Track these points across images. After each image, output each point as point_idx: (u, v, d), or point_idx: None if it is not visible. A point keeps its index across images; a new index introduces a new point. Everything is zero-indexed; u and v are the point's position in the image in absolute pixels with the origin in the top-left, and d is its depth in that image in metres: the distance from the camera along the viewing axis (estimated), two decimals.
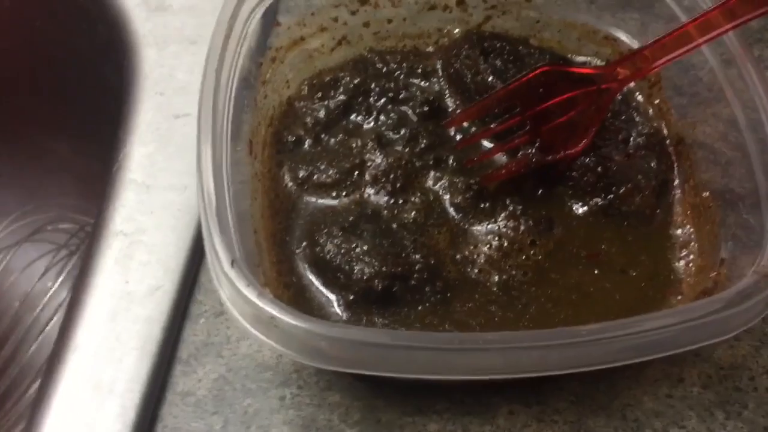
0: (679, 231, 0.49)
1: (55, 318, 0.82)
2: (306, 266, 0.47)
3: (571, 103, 0.48)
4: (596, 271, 0.47)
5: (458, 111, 0.53)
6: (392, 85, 0.54)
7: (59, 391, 0.46)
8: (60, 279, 0.85)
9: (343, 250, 0.46)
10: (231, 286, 0.38)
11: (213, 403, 0.46)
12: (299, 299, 0.46)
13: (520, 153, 0.50)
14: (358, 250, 0.46)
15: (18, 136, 0.85)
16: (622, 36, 0.55)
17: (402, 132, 0.52)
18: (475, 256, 0.48)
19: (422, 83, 0.55)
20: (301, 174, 0.51)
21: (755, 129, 0.44)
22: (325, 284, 0.47)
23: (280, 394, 0.46)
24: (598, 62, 0.55)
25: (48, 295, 0.84)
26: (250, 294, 0.38)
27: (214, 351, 0.48)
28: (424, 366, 0.38)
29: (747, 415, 0.45)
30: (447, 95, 0.54)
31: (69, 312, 0.49)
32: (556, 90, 0.49)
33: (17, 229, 0.89)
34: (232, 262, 0.38)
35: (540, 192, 0.50)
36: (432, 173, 0.51)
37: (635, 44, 0.54)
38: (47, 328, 0.82)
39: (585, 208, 0.50)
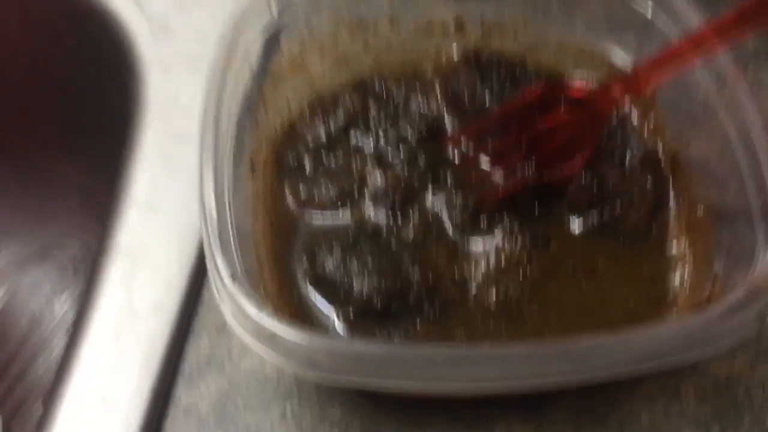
0: (674, 247, 0.49)
1: (61, 337, 0.83)
2: (307, 283, 0.48)
3: (566, 123, 0.50)
4: (593, 287, 0.48)
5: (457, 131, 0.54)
6: (391, 106, 0.55)
7: (64, 407, 0.47)
8: (66, 299, 0.86)
9: (342, 267, 0.47)
10: (232, 301, 0.39)
11: (215, 418, 0.47)
12: (300, 316, 0.47)
13: (517, 172, 0.51)
14: (357, 267, 0.47)
15: (25, 159, 0.86)
16: (618, 57, 0.56)
17: (401, 152, 0.53)
18: (472, 273, 0.49)
19: (421, 105, 0.56)
20: (302, 193, 0.52)
21: (747, 148, 0.45)
22: (326, 300, 0.48)
23: (281, 409, 0.47)
24: (594, 83, 0.56)
25: (54, 315, 0.85)
26: (251, 308, 0.39)
27: (216, 366, 0.49)
28: (424, 377, 0.39)
29: (743, 429, 0.46)
30: (445, 116, 0.55)
31: (74, 329, 0.50)
32: (552, 110, 0.50)
33: (24, 249, 0.90)
34: (233, 277, 0.39)
35: (537, 210, 0.51)
36: (431, 192, 0.52)
37: (630, 65, 0.55)
38: (55, 348, 0.83)
39: (581, 225, 0.50)
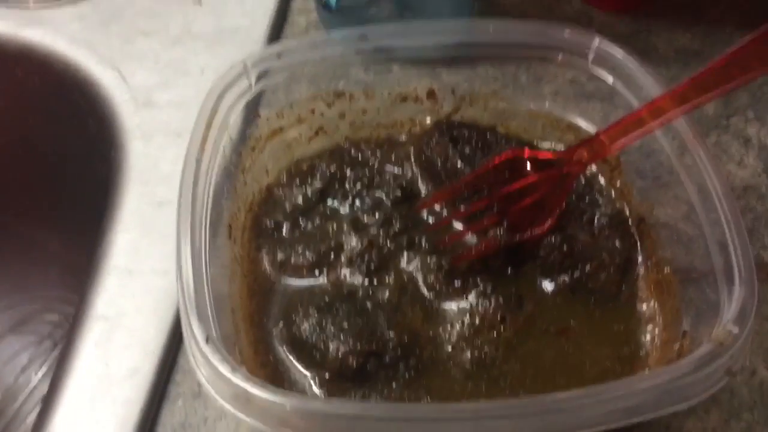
0: (644, 306, 0.50)
1: (37, 410, 0.81)
2: (283, 345, 0.49)
3: (535, 185, 0.51)
4: (566, 346, 0.49)
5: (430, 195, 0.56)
6: (367, 171, 0.57)
7: None
8: (43, 370, 0.85)
9: (318, 329, 0.48)
10: (206, 364, 0.40)
11: None
12: (276, 378, 0.47)
13: (489, 234, 0.52)
14: (333, 328, 0.48)
15: (6, 228, 0.87)
16: (584, 124, 0.58)
17: (377, 216, 0.54)
18: (447, 334, 0.49)
19: (396, 170, 0.57)
20: (280, 257, 0.53)
21: (709, 211, 0.46)
22: (302, 362, 0.48)
23: None
24: (562, 148, 0.58)
25: (30, 387, 0.84)
26: (225, 370, 0.39)
27: None
28: None
29: None
30: (419, 181, 0.57)
31: (49, 394, 0.50)
32: (521, 174, 0.52)
33: (1, 320, 0.89)
34: (207, 339, 0.40)
35: (509, 271, 0.52)
36: (405, 254, 0.52)
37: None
38: (29, 420, 0.82)
39: (553, 285, 0.51)
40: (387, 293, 0.51)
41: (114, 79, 0.68)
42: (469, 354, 0.48)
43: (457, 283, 0.51)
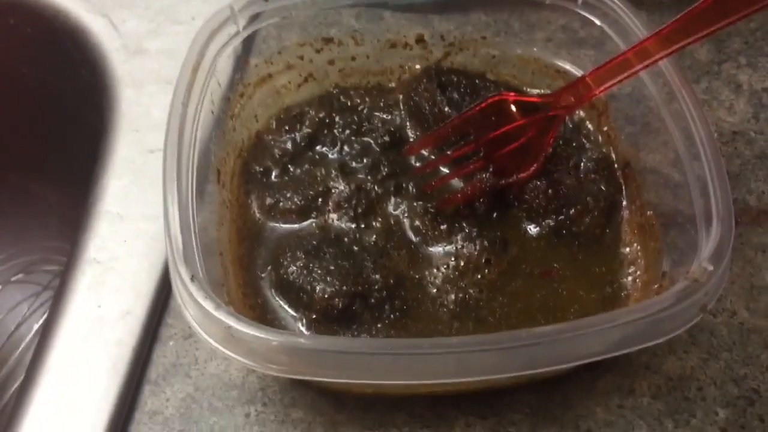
0: (627, 249, 0.51)
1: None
2: (271, 288, 0.49)
3: (521, 129, 0.51)
4: (549, 288, 0.49)
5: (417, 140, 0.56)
6: (356, 118, 0.57)
7: (31, 410, 0.47)
8: (43, 319, 0.87)
9: (305, 272, 0.49)
10: (192, 302, 0.40)
11: (180, 421, 0.48)
12: (264, 320, 0.48)
13: (476, 178, 0.53)
14: (320, 271, 0.48)
15: (3, 180, 0.87)
16: (575, 71, 0.58)
17: (365, 161, 0.55)
18: (433, 276, 0.50)
19: (384, 116, 0.58)
20: (268, 201, 0.53)
21: (693, 156, 0.46)
22: (289, 304, 0.49)
23: (245, 412, 0.48)
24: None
25: (31, 335, 0.86)
26: (210, 307, 0.39)
27: (182, 371, 0.50)
28: (380, 371, 0.40)
29: (695, 423, 0.47)
30: (407, 127, 0.57)
31: (43, 335, 0.51)
32: (507, 118, 0.52)
33: (2, 271, 0.91)
34: (192, 278, 0.40)
35: (495, 215, 0.52)
36: (393, 199, 0.53)
37: None
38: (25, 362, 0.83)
39: (538, 229, 0.52)
40: (374, 237, 0.51)
41: (104, 26, 0.68)
42: (453, 296, 0.49)
43: (443, 227, 0.51)
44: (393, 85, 0.60)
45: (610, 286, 0.49)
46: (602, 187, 0.52)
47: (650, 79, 0.50)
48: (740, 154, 0.59)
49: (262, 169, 0.55)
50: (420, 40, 0.59)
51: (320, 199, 0.53)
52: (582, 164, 0.54)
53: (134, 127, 0.61)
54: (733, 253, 0.41)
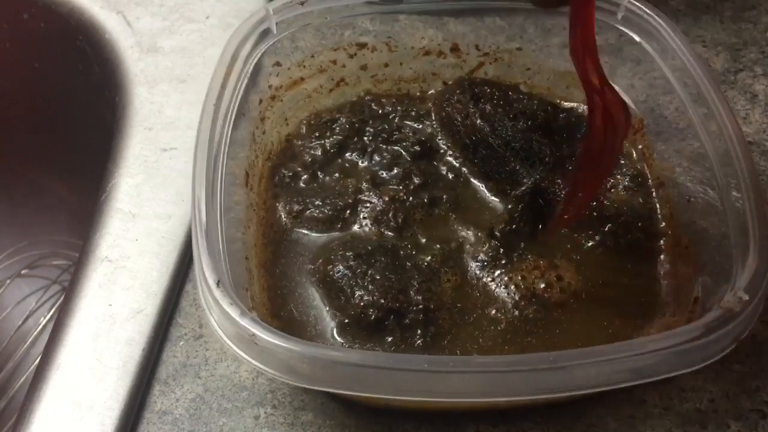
0: (661, 269, 0.50)
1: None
2: (312, 284, 0.49)
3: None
4: (588, 311, 0.48)
5: (448, 151, 0.56)
6: (386, 126, 0.57)
7: (41, 408, 0.47)
8: (51, 313, 0.87)
9: (350, 274, 0.48)
10: (217, 307, 0.39)
11: (189, 422, 0.47)
12: (288, 327, 0.47)
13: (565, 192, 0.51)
14: (364, 277, 0.48)
15: (14, 174, 0.87)
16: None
17: (395, 171, 0.54)
18: (476, 313, 0.48)
19: (415, 125, 0.57)
20: (296, 207, 0.52)
21: (730, 177, 0.45)
22: (323, 304, 0.48)
23: (255, 414, 0.48)
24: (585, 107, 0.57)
25: (38, 330, 0.86)
26: (234, 314, 0.39)
27: (192, 372, 0.49)
28: (403, 389, 0.38)
29: None
30: (438, 137, 0.57)
31: (53, 333, 0.50)
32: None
33: (10, 264, 0.90)
34: (218, 283, 0.40)
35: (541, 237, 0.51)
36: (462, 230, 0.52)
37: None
38: (37, 361, 0.83)
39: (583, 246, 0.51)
40: (429, 258, 0.50)
41: (119, 23, 0.67)
42: (488, 336, 0.47)
43: (503, 260, 0.50)
44: (425, 93, 0.59)
45: (641, 308, 0.48)
46: (636, 207, 0.52)
47: (691, 99, 0.49)
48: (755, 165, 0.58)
49: (291, 174, 0.54)
50: (455, 49, 0.59)
51: (348, 211, 0.52)
52: (619, 180, 0.53)
53: (147, 125, 0.61)
54: None
